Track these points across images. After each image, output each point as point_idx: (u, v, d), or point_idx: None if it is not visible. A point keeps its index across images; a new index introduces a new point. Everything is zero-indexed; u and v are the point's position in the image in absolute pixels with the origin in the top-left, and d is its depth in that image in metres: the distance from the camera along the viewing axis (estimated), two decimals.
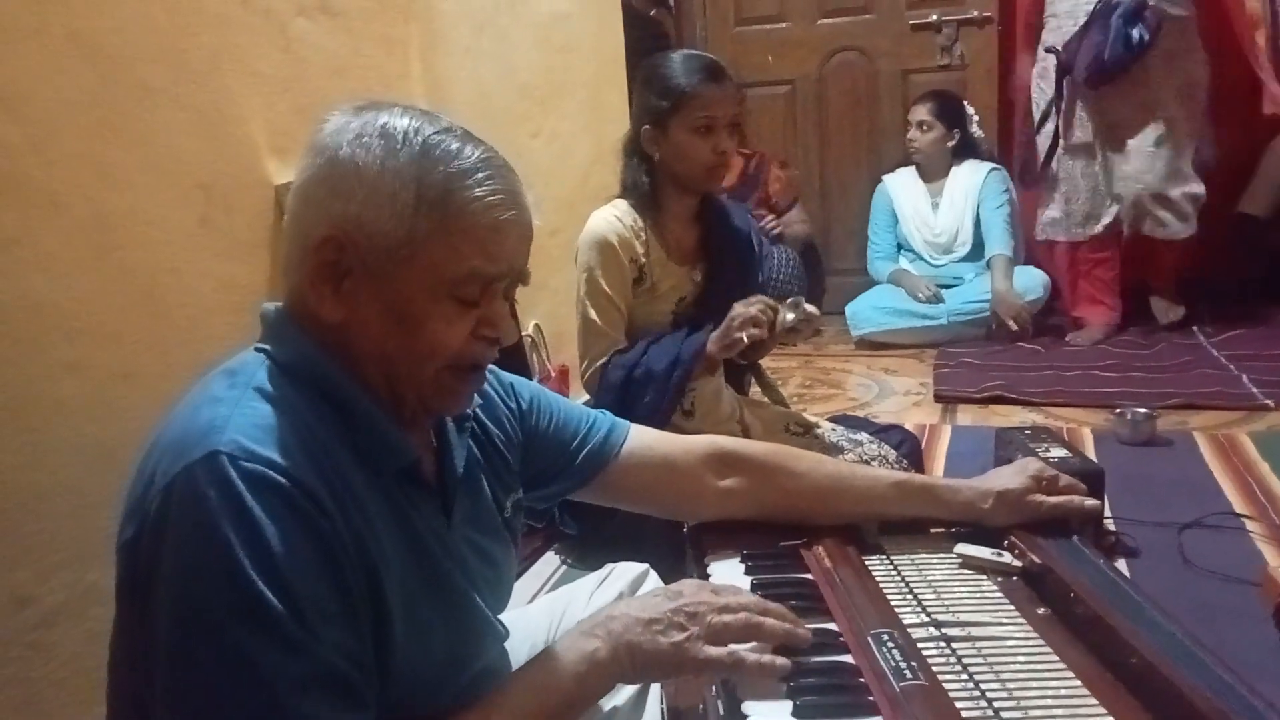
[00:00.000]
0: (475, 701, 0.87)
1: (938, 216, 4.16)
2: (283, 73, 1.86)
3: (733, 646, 0.90)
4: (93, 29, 1.46)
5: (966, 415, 3.13)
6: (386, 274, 0.84)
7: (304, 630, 0.72)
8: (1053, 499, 1.19)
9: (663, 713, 1.18)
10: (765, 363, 2.37)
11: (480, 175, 0.85)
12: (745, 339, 1.96)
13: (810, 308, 2.01)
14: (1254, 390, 3.07)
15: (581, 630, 0.92)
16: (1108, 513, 2.08)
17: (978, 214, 4.09)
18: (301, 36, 1.92)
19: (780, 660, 0.89)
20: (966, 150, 4.15)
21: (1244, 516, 2.17)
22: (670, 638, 0.89)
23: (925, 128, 4.08)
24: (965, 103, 4.19)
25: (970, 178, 4.11)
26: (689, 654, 0.88)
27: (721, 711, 0.87)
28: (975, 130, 4.20)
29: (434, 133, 0.86)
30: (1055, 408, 3.10)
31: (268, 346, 0.87)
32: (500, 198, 0.86)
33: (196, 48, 1.65)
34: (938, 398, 3.29)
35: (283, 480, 0.75)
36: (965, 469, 1.43)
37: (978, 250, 4.11)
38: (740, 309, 1.98)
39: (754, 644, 0.91)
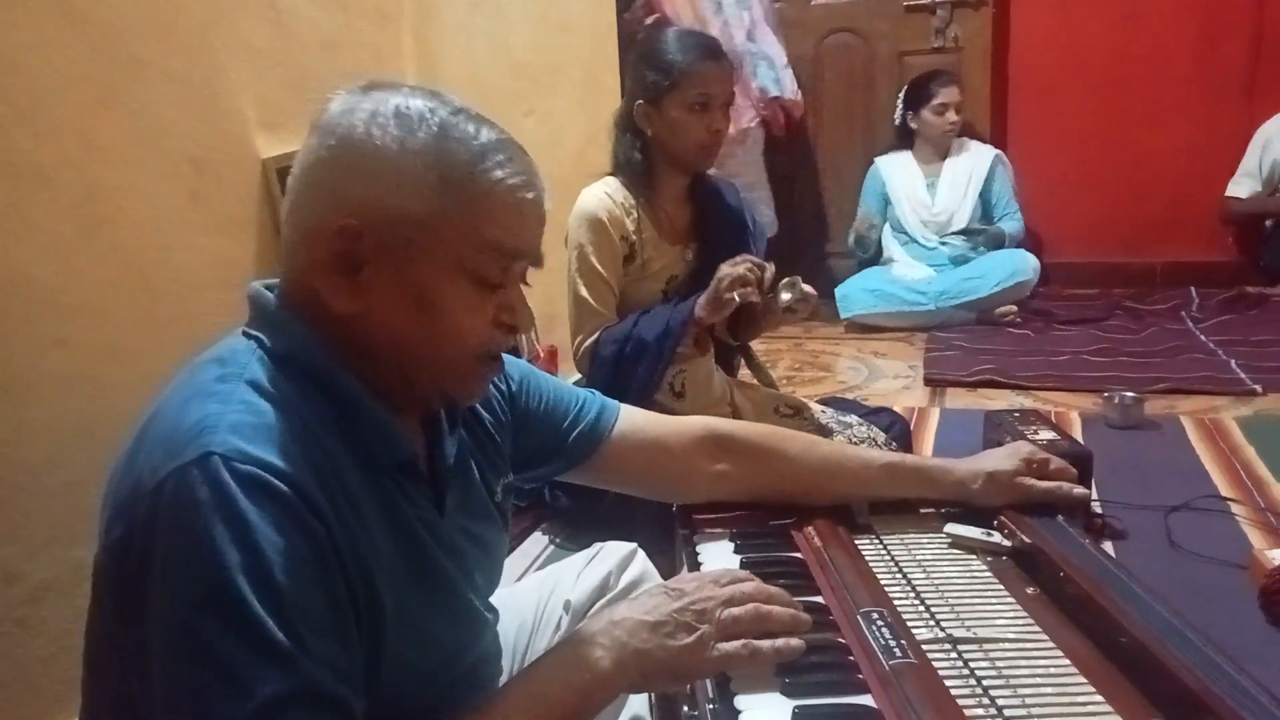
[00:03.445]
0: (466, 712, 0.84)
1: (935, 197, 4.17)
2: (273, 46, 1.84)
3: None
4: (82, 1, 1.44)
5: (955, 398, 3.14)
6: (407, 259, 0.82)
7: (292, 643, 0.71)
8: (1043, 484, 1.19)
9: (651, 694, 1.18)
10: (755, 345, 2.37)
11: (501, 156, 0.84)
12: (737, 299, 1.93)
13: (808, 288, 1.99)
14: (1241, 375, 3.08)
15: (583, 637, 0.87)
16: (1095, 496, 2.09)
17: (981, 196, 4.13)
18: (292, 10, 1.90)
19: (795, 642, 0.88)
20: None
21: (1230, 500, 2.18)
22: (680, 640, 0.85)
23: (959, 109, 4.10)
24: None
25: (974, 160, 4.15)
26: (704, 655, 0.85)
27: (711, 693, 0.87)
28: None
29: (449, 114, 0.84)
30: (1044, 391, 3.10)
31: (259, 334, 0.85)
32: (523, 178, 0.85)
33: (186, 20, 1.64)
34: (928, 381, 3.29)
35: (278, 482, 0.73)
36: (954, 451, 1.43)
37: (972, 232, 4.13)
38: (727, 269, 1.95)
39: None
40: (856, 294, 4.06)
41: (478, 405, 1.05)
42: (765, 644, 0.87)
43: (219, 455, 0.72)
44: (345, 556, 0.77)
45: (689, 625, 0.86)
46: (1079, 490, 1.21)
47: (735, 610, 0.88)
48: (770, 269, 1.99)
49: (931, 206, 4.17)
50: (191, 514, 0.71)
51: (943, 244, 4.14)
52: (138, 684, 0.74)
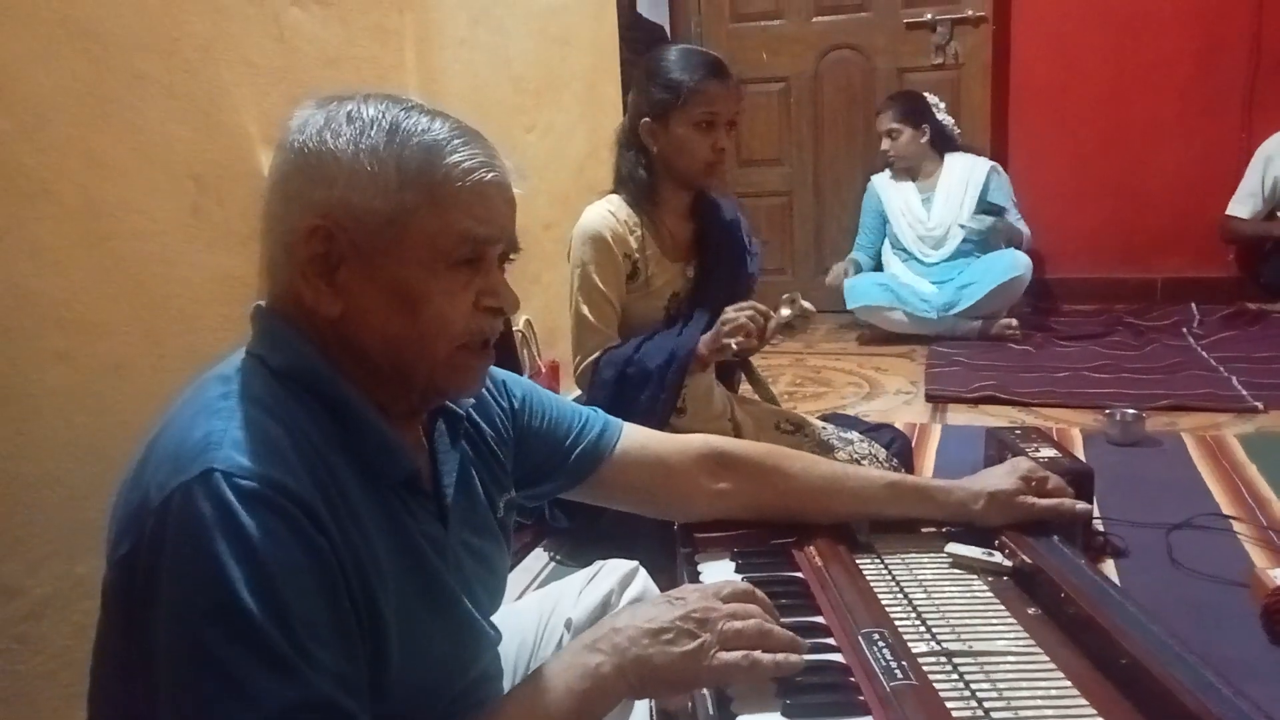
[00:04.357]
0: (468, 717, 0.85)
1: (930, 212, 4.17)
2: (276, 63, 1.85)
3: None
4: (85, 15, 1.45)
5: (956, 415, 3.14)
6: (380, 254, 0.84)
7: (298, 655, 0.71)
8: (1044, 501, 1.19)
9: (651, 712, 1.18)
10: (756, 360, 2.37)
11: (456, 142, 0.86)
12: (734, 346, 1.94)
13: (807, 304, 2.00)
14: (1243, 392, 3.08)
15: (584, 644, 0.88)
16: (1096, 513, 2.09)
17: (978, 209, 4.12)
18: (295, 26, 1.91)
19: (795, 657, 0.88)
20: (945, 141, 4.17)
21: (1232, 518, 2.18)
22: (681, 647, 0.85)
23: (895, 134, 4.12)
24: (925, 95, 4.20)
25: (968, 173, 4.13)
26: (704, 663, 0.85)
27: (711, 711, 0.87)
28: (944, 118, 4.21)
29: (401, 110, 0.87)
30: (1045, 408, 3.10)
31: (261, 352, 0.86)
32: (480, 160, 0.86)
33: (189, 36, 1.64)
34: (929, 397, 3.29)
35: (280, 497, 0.74)
36: (955, 468, 1.44)
37: (970, 246, 4.13)
38: (731, 314, 1.96)
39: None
40: (864, 285, 4.09)
41: (480, 421, 1.05)
42: (765, 656, 0.87)
43: (221, 471, 0.73)
44: (348, 569, 0.78)
45: (690, 633, 0.86)
46: (1080, 505, 1.22)
47: (738, 624, 0.88)
48: (779, 303, 2.00)
49: (927, 221, 4.18)
50: (196, 530, 0.72)
51: (938, 265, 4.15)
52: (144, 698, 0.74)
